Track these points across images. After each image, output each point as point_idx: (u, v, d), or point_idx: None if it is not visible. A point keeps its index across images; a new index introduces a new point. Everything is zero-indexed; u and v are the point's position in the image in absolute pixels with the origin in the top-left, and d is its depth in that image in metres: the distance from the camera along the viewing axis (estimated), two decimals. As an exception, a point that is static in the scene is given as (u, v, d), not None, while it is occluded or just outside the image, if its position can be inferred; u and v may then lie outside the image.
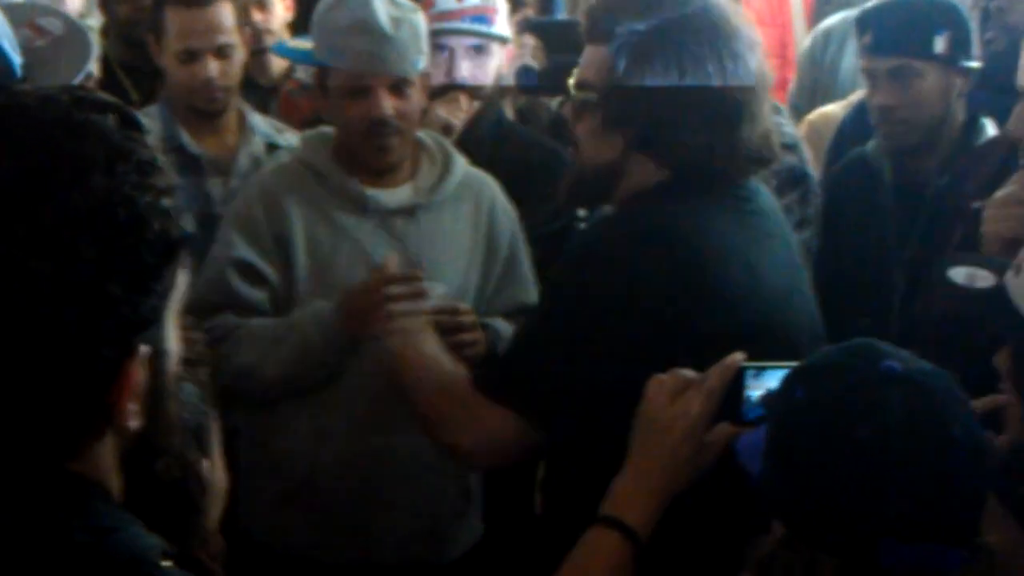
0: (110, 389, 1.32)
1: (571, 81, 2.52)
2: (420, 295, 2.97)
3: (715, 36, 2.37)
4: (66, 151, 1.28)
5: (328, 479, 3.16)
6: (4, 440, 1.30)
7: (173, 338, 1.39)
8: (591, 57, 2.45)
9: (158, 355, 1.36)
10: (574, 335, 2.28)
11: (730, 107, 2.36)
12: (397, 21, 3.13)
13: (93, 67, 3.41)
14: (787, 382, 1.78)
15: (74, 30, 3.20)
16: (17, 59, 2.66)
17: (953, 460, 1.64)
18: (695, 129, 2.35)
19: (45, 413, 1.30)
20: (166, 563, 1.32)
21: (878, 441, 1.63)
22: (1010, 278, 1.95)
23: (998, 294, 1.97)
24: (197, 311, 3.06)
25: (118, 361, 1.31)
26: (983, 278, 2.06)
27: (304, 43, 3.63)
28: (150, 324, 1.33)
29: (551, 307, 2.43)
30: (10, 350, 1.26)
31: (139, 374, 1.33)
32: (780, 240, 2.49)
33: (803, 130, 4.37)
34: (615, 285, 2.26)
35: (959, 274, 2.14)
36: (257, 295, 3.15)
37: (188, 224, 3.63)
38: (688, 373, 2.00)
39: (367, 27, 3.11)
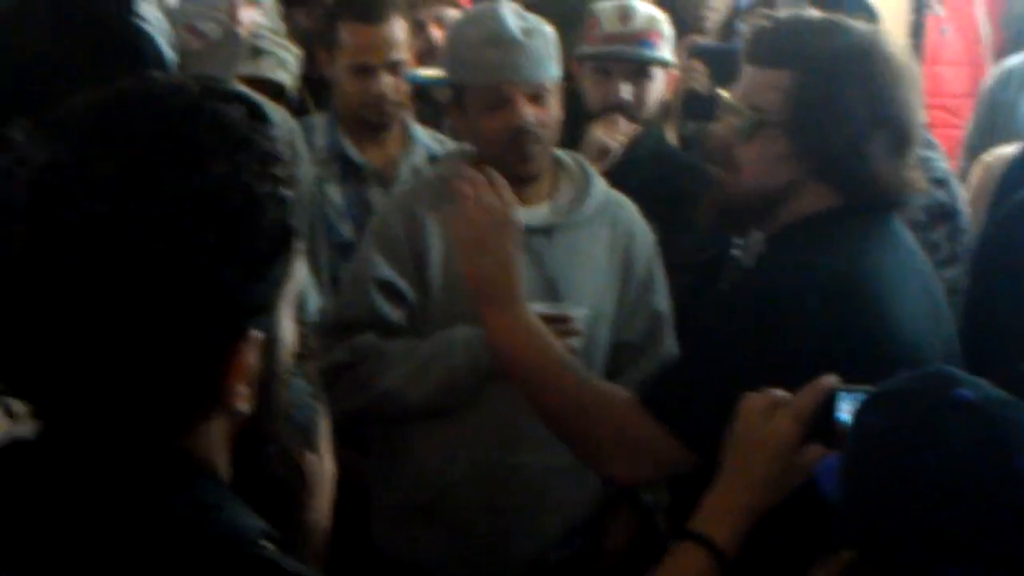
0: (220, 370, 1.36)
1: (731, 101, 2.52)
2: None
3: (890, 64, 2.41)
4: (189, 137, 1.33)
5: (460, 495, 3.18)
6: (117, 413, 1.35)
7: (287, 327, 1.44)
8: (764, 80, 2.46)
9: (271, 342, 1.41)
10: (747, 374, 2.24)
11: (905, 138, 2.41)
12: (528, 31, 3.16)
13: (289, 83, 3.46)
14: (863, 408, 1.78)
15: (230, 34, 3.28)
16: (172, 56, 2.74)
17: (1015, 491, 1.63)
18: (877, 159, 2.38)
19: (156, 389, 1.34)
20: (267, 544, 1.36)
21: (942, 469, 1.64)
22: None
23: None
24: (341, 329, 3.14)
25: (229, 344, 1.36)
26: None
27: (433, 71, 3.67)
28: (262, 310, 1.38)
29: (727, 340, 2.37)
30: (125, 327, 1.30)
31: (251, 358, 1.38)
32: (927, 276, 2.52)
33: (977, 170, 4.29)
34: (800, 339, 2.25)
35: None
36: (398, 315, 3.18)
37: (346, 230, 3.75)
38: (781, 393, 2.00)
39: (500, 38, 3.14)
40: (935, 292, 2.54)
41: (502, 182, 2.72)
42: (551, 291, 3.18)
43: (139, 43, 2.52)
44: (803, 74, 2.40)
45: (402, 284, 3.17)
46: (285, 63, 4.08)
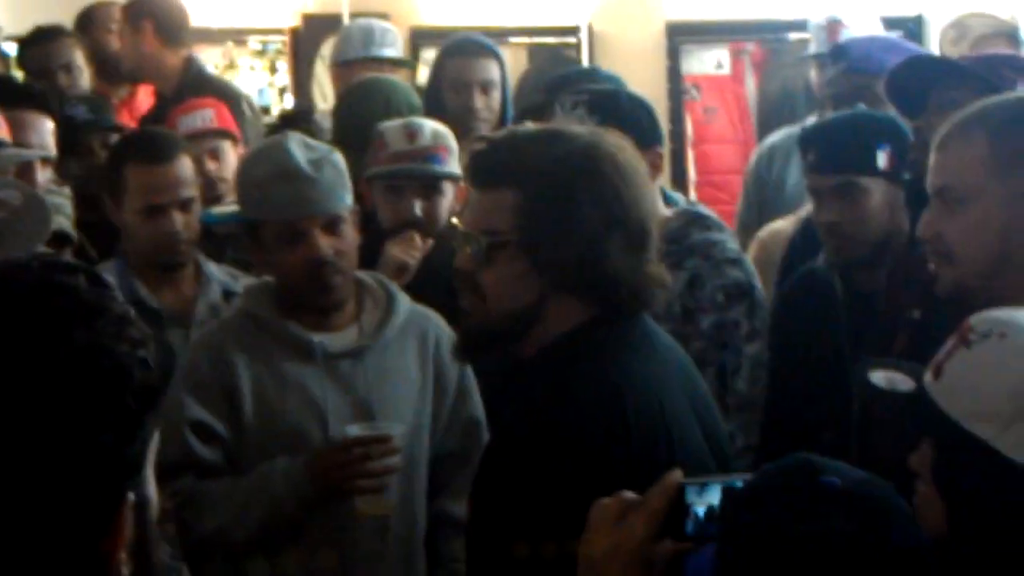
0: (105, 538, 1.36)
1: (464, 230, 2.50)
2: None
3: (616, 164, 2.41)
4: (46, 310, 1.34)
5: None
6: None
7: (152, 487, 1.44)
8: (490, 202, 2.44)
9: (142, 504, 1.41)
10: (549, 519, 2.26)
11: (642, 236, 2.42)
12: (317, 163, 3.19)
13: (68, 228, 3.44)
14: (730, 505, 1.80)
15: (32, 201, 3.24)
16: None
17: (897, 569, 1.68)
18: (617, 260, 2.38)
19: (41, 570, 1.32)
20: None
21: (826, 559, 1.66)
22: (929, 382, 1.99)
23: (918, 397, 2.02)
24: (159, 474, 3.07)
25: (112, 509, 1.36)
26: (902, 381, 2.09)
27: (230, 207, 3.68)
28: (137, 471, 1.39)
29: (530, 506, 2.33)
30: (7, 505, 1.30)
31: (128, 522, 1.38)
32: (685, 367, 2.56)
33: (754, 247, 4.44)
34: (584, 467, 2.27)
35: (879, 378, 2.17)
36: (214, 455, 3.16)
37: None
38: (629, 495, 2.02)
39: (289, 174, 3.16)
40: (695, 382, 2.56)
41: None
42: (365, 412, 3.20)
43: None
44: (528, 189, 2.39)
45: (216, 424, 3.15)
46: (62, 209, 4.02)
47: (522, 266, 2.41)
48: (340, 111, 4.75)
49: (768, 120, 6.26)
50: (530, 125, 2.62)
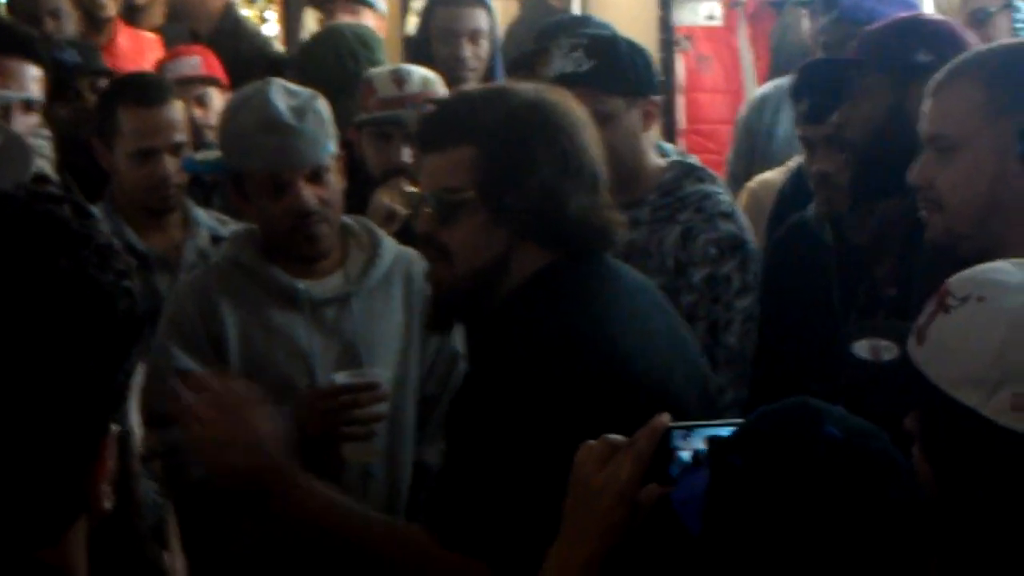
0: (88, 469, 1.36)
1: (421, 193, 2.55)
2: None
3: (564, 114, 2.50)
4: (31, 238, 1.34)
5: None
6: None
7: (135, 420, 1.43)
8: (446, 161, 2.49)
9: (125, 436, 1.43)
10: (527, 472, 2.29)
11: (593, 177, 2.49)
12: (300, 111, 3.16)
13: (48, 170, 3.42)
14: (722, 448, 1.80)
15: (12, 140, 3.21)
16: None
17: (893, 523, 1.68)
18: (575, 204, 2.45)
19: (25, 499, 1.33)
20: None
21: (820, 509, 1.67)
22: (912, 347, 1.97)
23: (903, 365, 2.00)
24: (148, 421, 3.07)
25: (96, 440, 1.36)
26: (886, 349, 2.07)
27: (211, 154, 3.66)
28: (121, 402, 1.39)
29: (499, 448, 2.36)
30: None
31: (111, 454, 1.38)
32: (659, 302, 2.63)
33: (744, 198, 4.42)
34: (555, 407, 2.30)
35: (863, 348, 2.15)
36: None
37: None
38: (616, 438, 2.02)
39: (272, 125, 3.13)
40: (670, 317, 2.63)
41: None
42: (352, 358, 3.19)
43: None
44: (483, 144, 2.46)
45: (204, 372, 3.11)
46: (42, 150, 4.00)
47: (484, 219, 2.47)
48: (297, 67, 4.67)
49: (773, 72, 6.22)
50: (477, 85, 2.68)
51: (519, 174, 2.44)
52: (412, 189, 3.63)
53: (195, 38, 5.52)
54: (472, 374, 2.59)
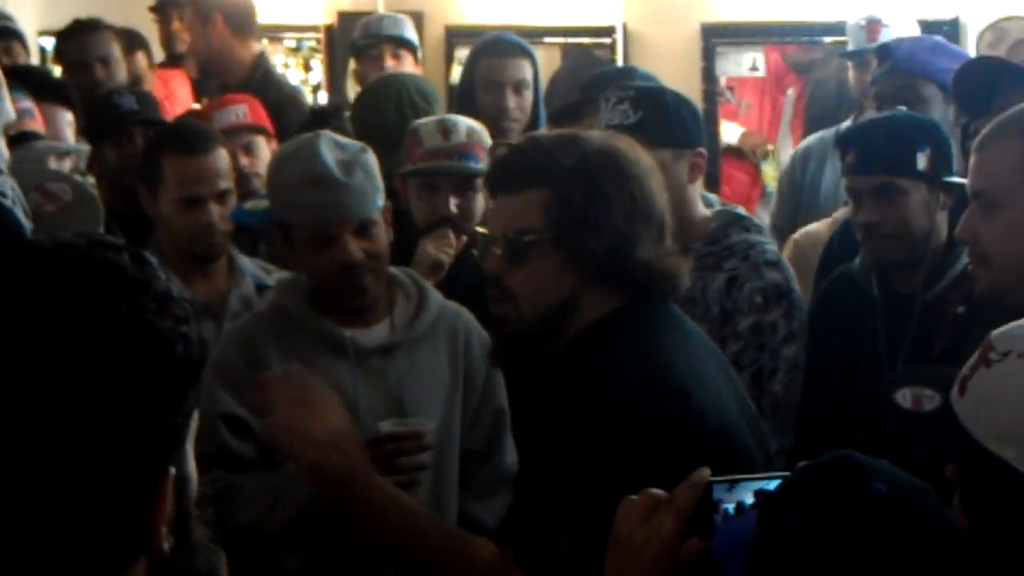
0: (148, 510, 1.39)
1: (491, 235, 2.59)
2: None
3: (634, 161, 2.53)
4: (92, 285, 1.38)
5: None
6: (46, 567, 1.36)
7: (192, 464, 1.47)
8: (519, 203, 2.52)
9: (182, 479, 1.43)
10: (604, 497, 2.24)
11: (660, 223, 2.53)
12: (348, 166, 3.17)
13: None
14: (773, 505, 1.78)
15: (82, 194, 3.25)
16: (28, 225, 2.71)
17: None
18: (644, 249, 2.49)
19: (87, 538, 1.36)
20: None
21: (872, 569, 1.65)
22: (955, 398, 1.96)
23: (944, 414, 1.99)
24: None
25: (155, 481, 1.39)
26: (928, 398, 2.04)
27: (261, 203, 3.68)
28: (179, 445, 1.42)
29: (577, 474, 2.38)
30: (56, 472, 1.33)
31: (169, 496, 1.41)
32: (712, 349, 2.69)
33: (789, 249, 4.43)
34: (633, 449, 2.32)
35: (905, 397, 2.13)
36: (247, 448, 3.15)
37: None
38: (658, 492, 2.01)
39: (320, 179, 3.14)
40: (723, 363, 2.68)
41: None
42: (396, 408, 3.19)
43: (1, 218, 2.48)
44: (557, 187, 2.48)
45: (248, 417, 3.13)
46: None
47: (554, 262, 2.50)
48: (354, 116, 4.69)
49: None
50: (548, 131, 2.71)
51: (592, 218, 2.46)
52: (481, 231, 3.66)
53: (226, 89, 5.54)
54: (540, 412, 2.58)
